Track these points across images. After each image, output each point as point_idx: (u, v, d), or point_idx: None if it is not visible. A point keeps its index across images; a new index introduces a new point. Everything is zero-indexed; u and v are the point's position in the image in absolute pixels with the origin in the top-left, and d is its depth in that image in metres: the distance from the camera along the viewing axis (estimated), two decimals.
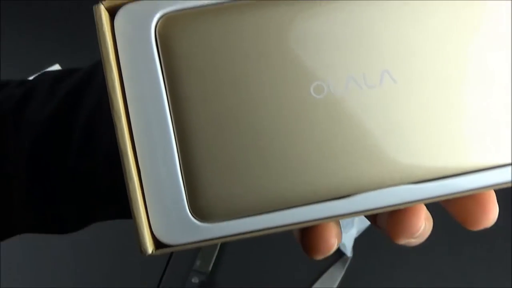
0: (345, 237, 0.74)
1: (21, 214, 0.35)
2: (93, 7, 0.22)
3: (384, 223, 0.26)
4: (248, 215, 0.23)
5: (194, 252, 0.76)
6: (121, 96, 0.23)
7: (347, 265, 0.74)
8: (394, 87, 0.23)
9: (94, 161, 0.32)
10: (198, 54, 0.23)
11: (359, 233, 0.75)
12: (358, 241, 0.75)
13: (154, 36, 0.23)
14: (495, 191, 0.25)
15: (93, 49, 0.32)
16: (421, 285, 0.73)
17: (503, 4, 0.24)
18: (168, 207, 0.23)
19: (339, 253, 0.75)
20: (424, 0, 0.23)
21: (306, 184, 0.23)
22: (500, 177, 0.24)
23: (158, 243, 0.23)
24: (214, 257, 0.75)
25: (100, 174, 0.32)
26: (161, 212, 0.23)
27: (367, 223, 0.74)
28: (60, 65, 0.84)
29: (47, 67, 0.83)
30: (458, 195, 0.24)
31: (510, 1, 0.24)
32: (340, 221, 0.72)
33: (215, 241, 0.23)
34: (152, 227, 0.23)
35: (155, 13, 0.23)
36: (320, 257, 0.25)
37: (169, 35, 0.23)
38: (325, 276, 0.74)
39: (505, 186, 0.24)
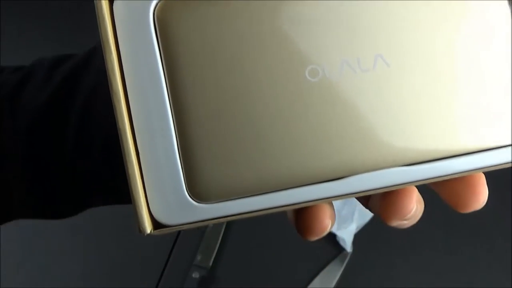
0: (344, 232, 0.75)
1: (17, 198, 0.35)
2: None
3: (376, 205, 0.26)
4: (244, 196, 0.24)
5: (194, 247, 0.76)
6: (120, 78, 0.23)
7: (346, 260, 0.74)
8: (387, 71, 0.24)
9: (90, 146, 0.33)
10: (195, 38, 0.23)
11: (358, 229, 0.76)
12: (358, 237, 0.75)
13: (153, 21, 0.23)
14: (485, 175, 0.26)
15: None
16: (420, 281, 0.73)
17: None
18: (166, 188, 0.23)
19: (338, 249, 0.75)
20: None
21: (300, 166, 0.24)
22: (490, 160, 0.24)
23: (156, 224, 0.24)
24: (215, 252, 0.76)
25: (97, 160, 0.33)
26: (159, 192, 0.23)
27: (367, 218, 0.75)
28: None
29: None
30: (449, 177, 0.24)
31: None
32: (340, 216, 0.72)
33: (212, 221, 0.24)
34: (151, 208, 0.23)
35: None
36: (313, 238, 0.26)
37: (167, 19, 0.23)
38: (324, 271, 0.74)
39: (494, 168, 0.24)
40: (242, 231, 0.77)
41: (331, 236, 0.75)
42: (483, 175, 0.25)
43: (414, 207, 0.25)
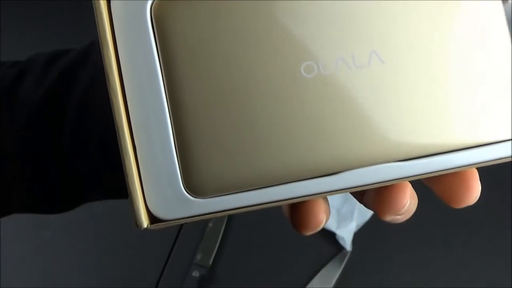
0: (344, 231, 0.75)
1: (14, 192, 0.35)
2: None
3: (371, 200, 0.26)
4: (240, 191, 0.24)
5: (195, 246, 0.76)
6: (118, 74, 0.23)
7: (346, 259, 0.74)
8: (382, 68, 0.24)
9: (87, 141, 0.33)
10: (191, 35, 0.24)
11: (358, 227, 0.76)
12: (358, 235, 0.75)
13: (150, 17, 0.24)
14: (485, 172, 0.26)
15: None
16: (420, 280, 0.73)
17: None
18: (162, 182, 0.24)
19: (338, 247, 0.75)
20: None
21: (296, 161, 0.24)
22: (483, 155, 0.24)
23: (153, 218, 0.24)
24: (215, 251, 0.76)
25: (93, 155, 0.33)
26: (156, 187, 0.24)
27: (366, 217, 0.75)
28: None
29: None
30: (443, 173, 0.24)
31: None
32: (340, 215, 0.72)
33: (208, 216, 0.24)
34: (147, 202, 0.24)
35: None
36: (308, 232, 0.26)
37: (163, 16, 0.24)
38: (324, 270, 0.74)
39: (487, 164, 0.24)
40: (242, 230, 0.77)
41: (331, 235, 0.75)
42: (476, 170, 0.26)
43: (408, 202, 0.25)
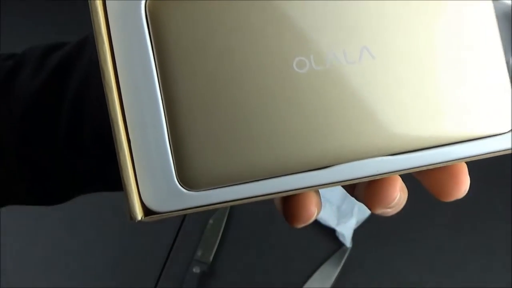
0: (344, 227, 0.75)
1: (9, 183, 0.35)
2: None
3: (361, 194, 0.27)
4: (233, 184, 0.24)
5: (195, 242, 0.76)
6: (112, 69, 0.24)
7: (346, 255, 0.75)
8: (373, 63, 0.24)
9: (82, 134, 0.33)
10: (186, 31, 0.24)
11: (358, 224, 0.76)
12: (358, 232, 0.76)
13: (145, 14, 0.24)
14: (468, 164, 0.26)
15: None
16: (419, 276, 0.73)
17: None
18: (156, 175, 0.24)
19: (338, 244, 0.75)
20: None
21: (288, 155, 0.24)
22: (473, 150, 0.25)
23: (147, 211, 0.24)
24: (216, 247, 0.76)
25: (88, 148, 0.33)
26: (150, 180, 0.24)
27: (366, 214, 0.75)
28: None
29: None
30: (433, 167, 0.25)
31: None
32: (340, 211, 0.72)
33: (201, 209, 0.24)
34: (141, 195, 0.24)
35: None
36: (300, 225, 0.26)
37: (158, 12, 0.24)
38: (324, 266, 0.75)
39: (477, 158, 0.25)
40: (242, 226, 0.77)
41: (331, 231, 0.76)
42: (465, 164, 0.26)
43: (398, 196, 0.26)
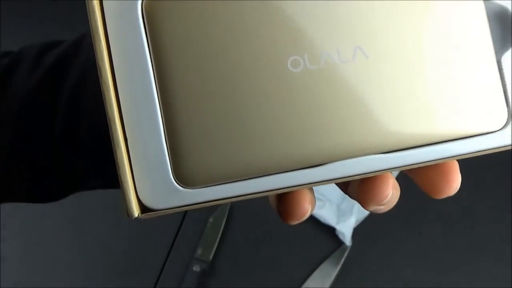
0: (344, 226, 0.75)
1: (4, 180, 0.36)
2: None
3: (354, 191, 0.27)
4: (228, 182, 0.25)
5: (195, 241, 0.77)
6: (109, 67, 0.24)
7: (346, 254, 0.75)
8: (366, 62, 0.25)
9: (78, 132, 0.33)
10: (181, 30, 0.24)
11: (358, 223, 0.76)
12: (357, 231, 0.76)
13: (141, 12, 0.24)
14: (459, 161, 0.26)
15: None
16: (419, 274, 0.74)
17: None
18: (153, 173, 0.24)
19: (338, 242, 0.76)
20: None
21: (282, 153, 0.24)
22: (464, 148, 0.25)
23: (143, 208, 0.24)
24: (216, 246, 0.76)
25: (84, 146, 0.33)
26: (147, 178, 0.24)
27: (366, 212, 0.75)
28: None
29: None
30: (424, 164, 0.25)
31: None
32: (340, 210, 0.72)
33: (197, 206, 0.25)
34: (138, 193, 0.24)
35: None
36: (294, 222, 0.27)
37: (154, 11, 0.24)
38: (324, 264, 0.75)
39: (468, 156, 0.25)
40: (242, 225, 0.78)
41: (331, 230, 0.76)
42: (456, 162, 0.26)
43: (390, 193, 0.26)
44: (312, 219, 0.76)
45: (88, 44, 0.34)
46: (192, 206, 0.25)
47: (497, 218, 0.75)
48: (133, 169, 0.24)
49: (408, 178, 0.28)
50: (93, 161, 0.34)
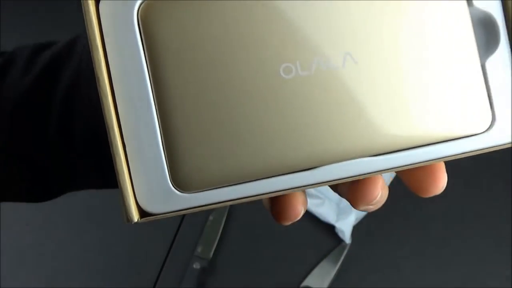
0: (343, 224, 0.76)
1: (2, 181, 0.36)
2: None
3: (345, 191, 0.28)
4: (224, 186, 0.25)
5: (195, 239, 0.77)
6: (107, 75, 0.25)
7: (345, 251, 0.76)
8: (355, 68, 0.25)
9: (73, 133, 0.33)
10: (177, 36, 0.25)
11: (357, 221, 0.77)
12: (357, 228, 0.77)
13: (137, 20, 0.25)
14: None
15: None
16: (419, 272, 0.74)
17: None
18: (151, 178, 0.25)
19: (338, 240, 0.76)
20: None
21: (276, 158, 0.25)
22: (450, 150, 0.26)
23: (142, 212, 0.25)
24: (216, 244, 0.77)
25: (79, 146, 0.33)
26: (145, 183, 0.25)
27: None
28: None
29: None
30: (411, 166, 0.26)
31: None
32: (339, 208, 0.73)
33: (194, 210, 0.25)
34: (137, 197, 0.25)
35: None
36: (287, 223, 0.27)
37: (150, 19, 0.25)
38: (324, 262, 0.75)
39: (454, 158, 0.26)
40: (242, 223, 0.78)
41: (330, 228, 0.76)
42: (442, 162, 0.27)
43: (379, 194, 0.27)
44: (312, 217, 0.76)
45: (81, 45, 0.34)
46: (189, 210, 0.25)
47: (497, 216, 0.76)
48: (132, 175, 0.25)
49: None
50: (86, 161, 0.34)
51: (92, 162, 0.34)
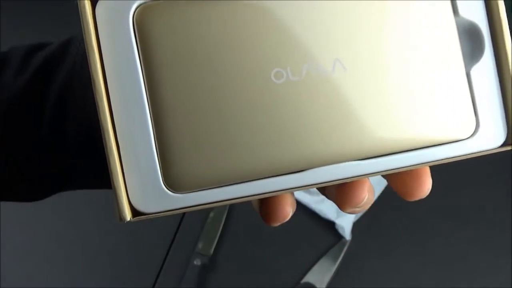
0: (343, 220, 0.76)
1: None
2: None
3: (332, 194, 0.28)
4: (215, 187, 0.26)
5: (196, 235, 0.77)
6: (102, 77, 0.25)
7: (345, 247, 0.76)
8: (345, 74, 0.26)
9: (65, 134, 0.34)
10: (171, 40, 0.25)
11: (357, 217, 0.77)
12: (357, 225, 0.77)
13: (132, 24, 0.26)
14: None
15: None
16: (418, 268, 0.74)
17: None
18: (144, 179, 0.26)
19: (338, 236, 0.76)
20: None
21: (265, 160, 0.26)
22: (435, 155, 0.27)
23: (135, 212, 0.26)
24: (216, 240, 0.77)
25: (71, 147, 0.34)
26: (138, 183, 0.26)
27: None
28: None
29: None
30: (397, 170, 0.27)
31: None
32: None
33: (186, 210, 0.26)
34: (130, 197, 0.26)
35: (133, 3, 0.26)
36: (276, 224, 0.28)
37: (145, 23, 0.26)
38: (324, 258, 0.76)
39: (439, 163, 0.27)
40: (242, 219, 0.78)
41: (330, 224, 0.77)
42: (427, 167, 0.28)
43: (366, 197, 0.27)
44: (312, 213, 0.77)
45: (75, 47, 0.34)
46: (181, 210, 0.26)
47: (498, 215, 0.76)
48: (125, 175, 0.26)
49: None
50: (78, 161, 0.34)
51: (86, 163, 0.34)
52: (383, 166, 0.26)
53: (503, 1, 0.26)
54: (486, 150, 0.27)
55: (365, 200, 0.27)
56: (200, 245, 0.77)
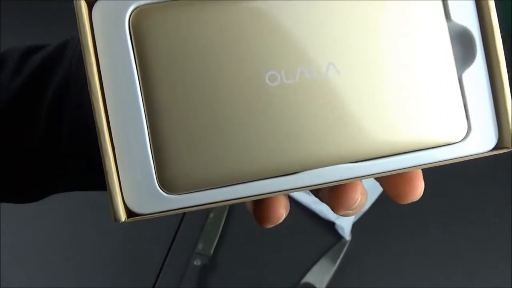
0: (343, 221, 0.76)
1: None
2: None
3: (325, 196, 0.29)
4: (209, 188, 0.26)
5: (196, 235, 0.77)
6: (98, 79, 0.25)
7: (345, 248, 0.76)
8: (338, 78, 0.26)
9: (60, 136, 0.34)
10: (166, 43, 0.26)
11: (357, 217, 0.77)
12: (357, 225, 0.77)
13: (128, 27, 0.26)
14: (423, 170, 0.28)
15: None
16: (418, 268, 0.74)
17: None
18: (138, 180, 0.26)
19: (337, 237, 0.76)
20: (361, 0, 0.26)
21: (260, 162, 0.26)
22: (427, 158, 0.27)
23: (129, 213, 0.26)
24: (216, 240, 0.77)
25: (66, 149, 0.34)
26: (133, 184, 0.26)
27: (365, 207, 0.76)
28: None
29: None
30: (389, 173, 0.27)
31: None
32: None
33: (180, 211, 0.26)
34: (125, 198, 0.26)
35: (129, 6, 0.26)
36: (269, 226, 0.28)
37: (141, 26, 0.26)
38: (324, 258, 0.76)
39: (432, 165, 0.27)
40: (242, 220, 0.78)
41: (330, 225, 0.77)
42: (420, 170, 0.28)
43: (358, 199, 0.27)
44: (312, 214, 0.77)
45: (71, 49, 0.34)
46: (176, 211, 0.26)
47: (498, 215, 0.76)
48: (120, 176, 0.26)
49: None
50: (73, 163, 0.35)
51: (81, 164, 0.34)
52: (376, 168, 0.27)
53: (494, 6, 0.26)
54: (478, 154, 0.27)
55: (358, 202, 0.27)
56: (200, 246, 0.77)
